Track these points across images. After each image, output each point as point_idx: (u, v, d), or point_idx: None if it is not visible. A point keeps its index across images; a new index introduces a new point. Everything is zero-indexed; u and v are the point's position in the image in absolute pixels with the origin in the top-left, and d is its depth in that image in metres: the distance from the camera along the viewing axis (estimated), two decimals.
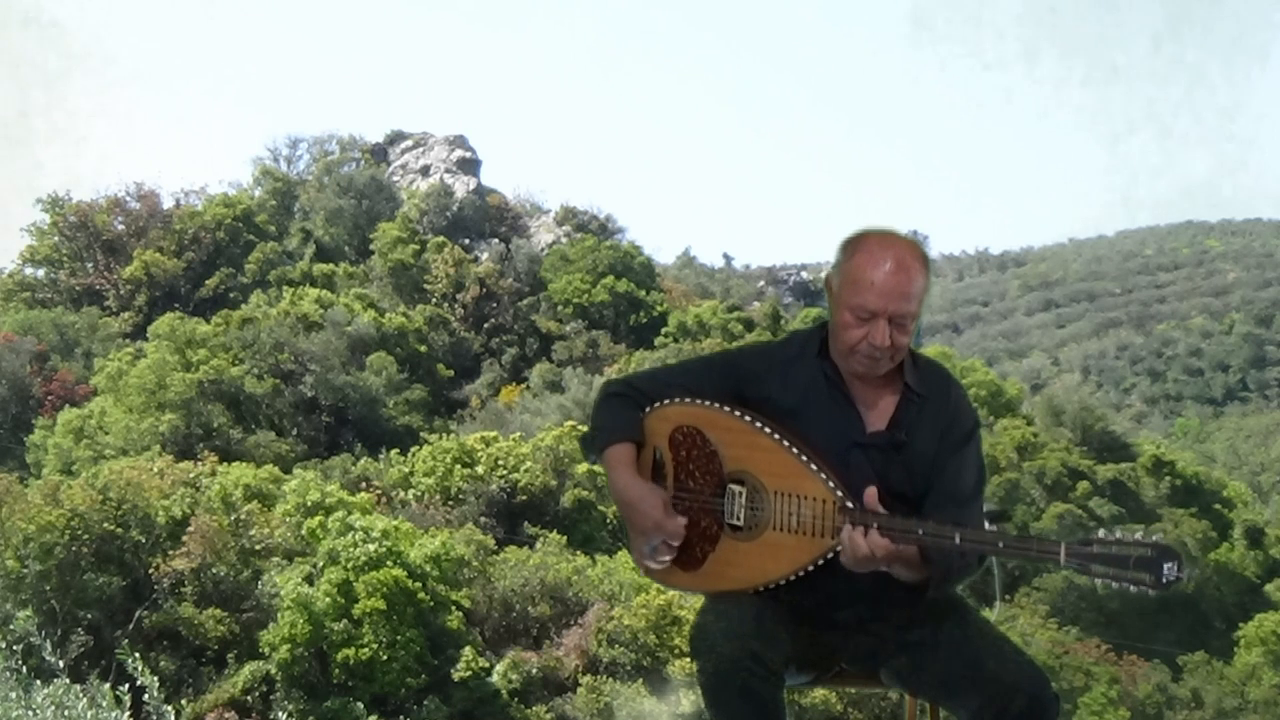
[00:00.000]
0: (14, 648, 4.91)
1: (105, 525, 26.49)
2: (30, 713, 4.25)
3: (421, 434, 39.88)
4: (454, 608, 27.56)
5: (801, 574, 2.52)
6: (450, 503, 33.55)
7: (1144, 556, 2.27)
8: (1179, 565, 2.26)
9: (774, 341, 2.79)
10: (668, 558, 2.60)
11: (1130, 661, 34.88)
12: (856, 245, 2.55)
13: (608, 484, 2.66)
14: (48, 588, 25.43)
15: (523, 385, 46.82)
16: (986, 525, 2.58)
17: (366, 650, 25.28)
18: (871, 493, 2.43)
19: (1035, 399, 56.09)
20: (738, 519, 2.57)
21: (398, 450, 37.34)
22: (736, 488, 2.57)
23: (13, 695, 4.39)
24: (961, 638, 2.53)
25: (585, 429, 2.74)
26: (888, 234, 2.56)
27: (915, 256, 2.52)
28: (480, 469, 34.40)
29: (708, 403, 2.63)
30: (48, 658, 4.49)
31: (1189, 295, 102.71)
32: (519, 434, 37.30)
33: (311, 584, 26.32)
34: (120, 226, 52.91)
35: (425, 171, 59.83)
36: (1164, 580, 2.26)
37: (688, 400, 2.65)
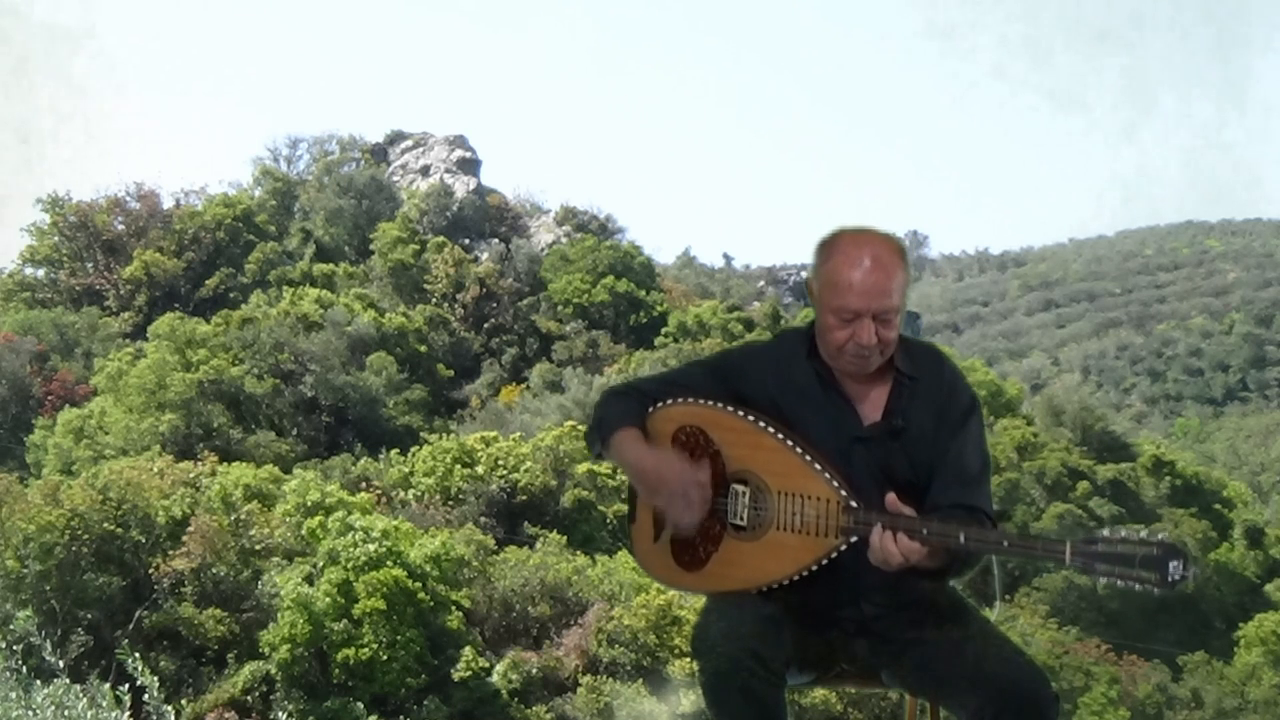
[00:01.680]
0: (14, 648, 4.90)
1: (105, 525, 26.48)
2: (30, 713, 4.25)
3: (421, 434, 39.88)
4: (454, 608, 27.56)
5: (805, 574, 2.52)
6: (450, 503, 33.54)
7: (1149, 555, 2.25)
8: (1185, 564, 2.24)
9: (766, 341, 2.78)
10: (698, 514, 2.58)
11: (1130, 661, 34.87)
12: (832, 248, 2.54)
13: (621, 465, 2.63)
14: (48, 588, 25.42)
15: (523, 385, 46.82)
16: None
17: (366, 650, 25.28)
18: (893, 498, 2.42)
19: (1035, 399, 56.10)
20: (741, 519, 2.56)
21: (398, 450, 37.34)
22: (740, 487, 2.57)
23: (13, 695, 4.39)
24: (962, 638, 2.53)
25: (589, 424, 2.73)
26: (861, 232, 2.54)
27: (891, 251, 2.51)
28: (480, 469, 34.40)
29: (711, 403, 2.63)
30: (48, 658, 4.49)
31: (1189, 295, 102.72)
32: (519, 434, 37.30)
33: (311, 584, 26.31)
34: (120, 226, 52.91)
35: (425, 171, 59.83)
36: (1170, 579, 2.24)
37: (690, 400, 2.65)
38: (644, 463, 2.58)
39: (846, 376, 2.59)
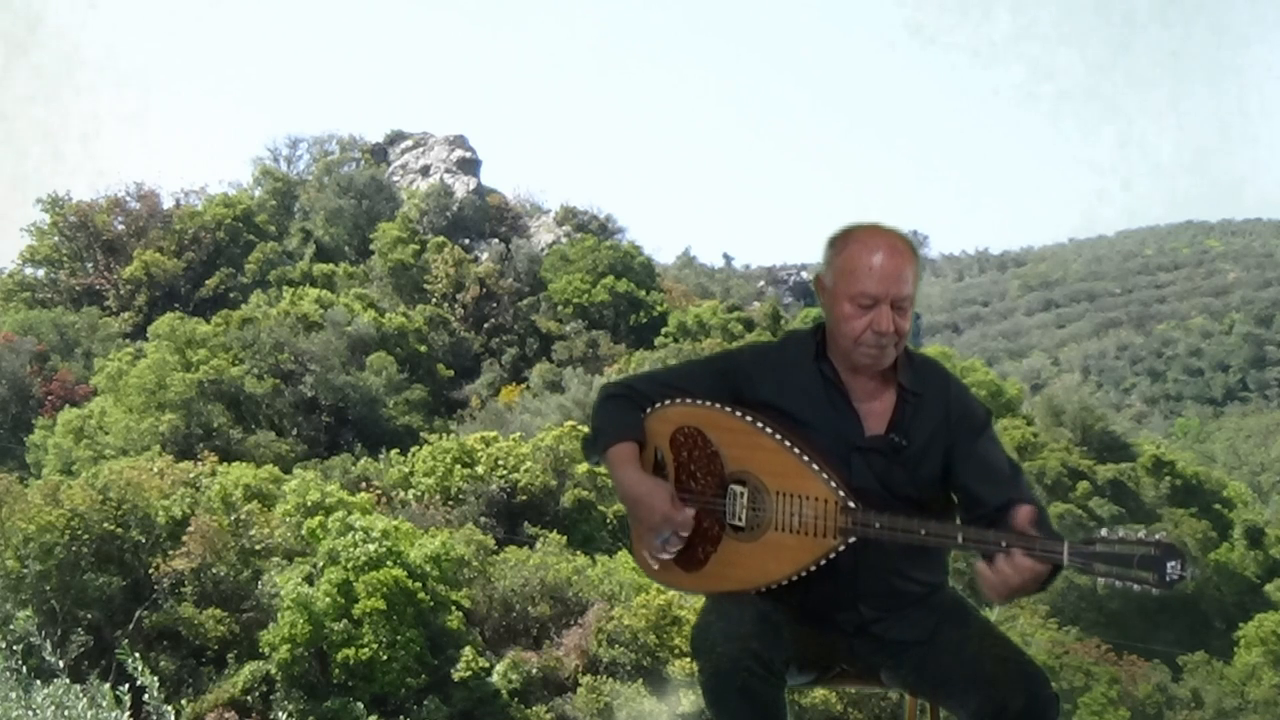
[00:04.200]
0: (14, 648, 4.90)
1: (105, 525, 26.46)
2: (30, 713, 4.24)
3: (421, 434, 39.86)
4: (454, 608, 27.54)
5: (804, 574, 2.51)
6: (450, 503, 33.52)
7: (1147, 555, 2.24)
8: (1183, 563, 2.24)
9: (771, 343, 2.78)
10: (676, 550, 2.59)
11: (1130, 661, 34.85)
12: (847, 238, 2.55)
13: (613, 483, 2.65)
14: (48, 588, 25.40)
15: (523, 385, 46.81)
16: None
17: (366, 650, 25.26)
18: (1025, 511, 2.35)
19: (1035, 399, 56.11)
20: (739, 519, 2.56)
21: (398, 450, 37.31)
22: (738, 488, 2.56)
23: (13, 695, 4.39)
24: (961, 638, 2.54)
25: (586, 431, 2.74)
26: (873, 225, 2.57)
27: (905, 242, 2.54)
28: (480, 469, 34.37)
29: (709, 403, 2.62)
30: (48, 658, 4.48)
31: (1189, 295, 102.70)
32: (519, 434, 37.27)
33: (311, 584, 26.30)
34: (120, 226, 52.89)
35: (425, 171, 59.82)
36: (1168, 579, 2.23)
37: (688, 401, 2.65)
38: (633, 490, 2.59)
39: (852, 384, 2.58)
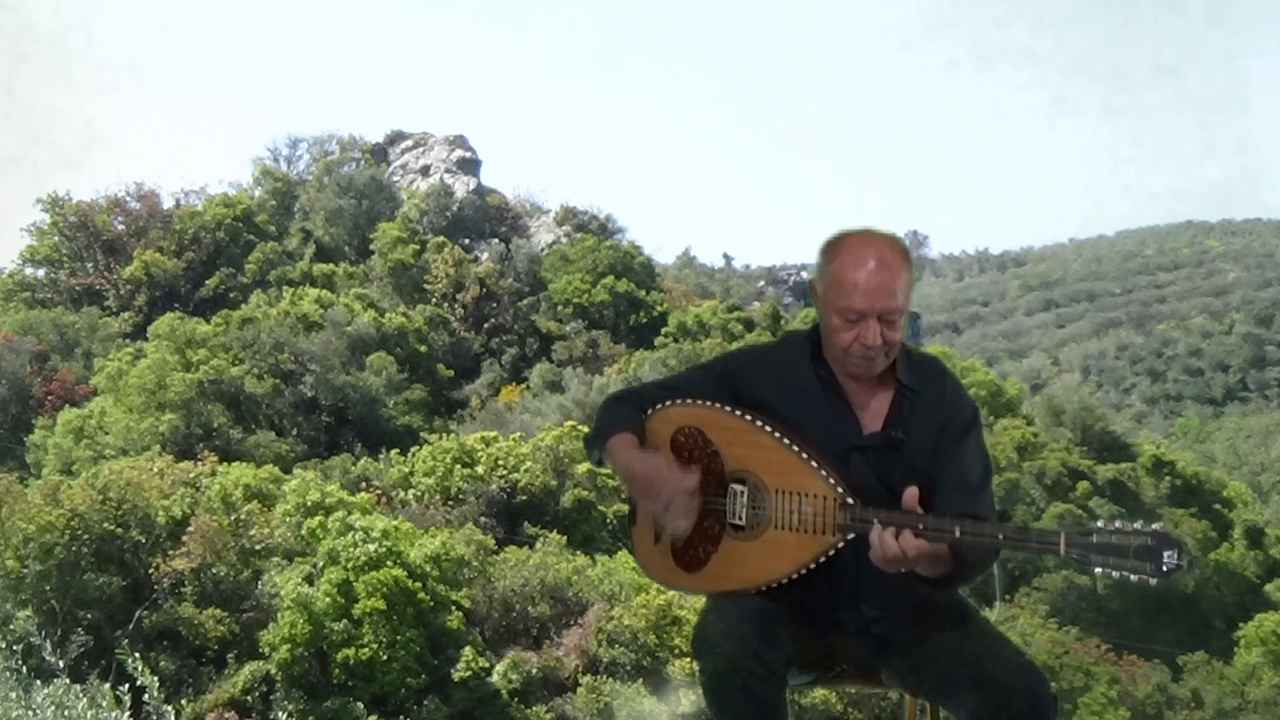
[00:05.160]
0: (14, 648, 4.90)
1: (105, 525, 26.45)
2: (30, 713, 4.24)
3: (421, 434, 39.85)
4: (454, 608, 27.54)
5: (804, 571, 2.52)
6: (450, 503, 33.52)
7: (1144, 545, 2.24)
8: (1180, 553, 2.23)
9: (769, 344, 2.79)
10: (688, 519, 2.59)
11: (1130, 661, 34.85)
12: (837, 248, 2.54)
13: (616, 471, 2.64)
14: (48, 588, 25.39)
15: (523, 385, 46.80)
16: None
17: (366, 650, 25.26)
18: (912, 493, 2.40)
19: (1035, 399, 56.09)
20: (740, 518, 2.56)
21: (398, 450, 37.31)
22: (738, 487, 2.57)
23: (13, 695, 4.38)
24: (961, 638, 2.54)
25: (588, 431, 2.74)
26: (866, 233, 2.55)
27: (896, 252, 2.51)
28: (480, 469, 34.37)
29: (709, 403, 2.63)
30: (48, 658, 4.48)
31: (1189, 295, 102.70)
32: (519, 434, 37.27)
33: (311, 584, 26.30)
34: (120, 226, 52.88)
35: (425, 171, 59.81)
36: (1164, 568, 2.22)
37: (689, 401, 2.65)
38: (634, 468, 2.59)
39: (849, 382, 2.59)
